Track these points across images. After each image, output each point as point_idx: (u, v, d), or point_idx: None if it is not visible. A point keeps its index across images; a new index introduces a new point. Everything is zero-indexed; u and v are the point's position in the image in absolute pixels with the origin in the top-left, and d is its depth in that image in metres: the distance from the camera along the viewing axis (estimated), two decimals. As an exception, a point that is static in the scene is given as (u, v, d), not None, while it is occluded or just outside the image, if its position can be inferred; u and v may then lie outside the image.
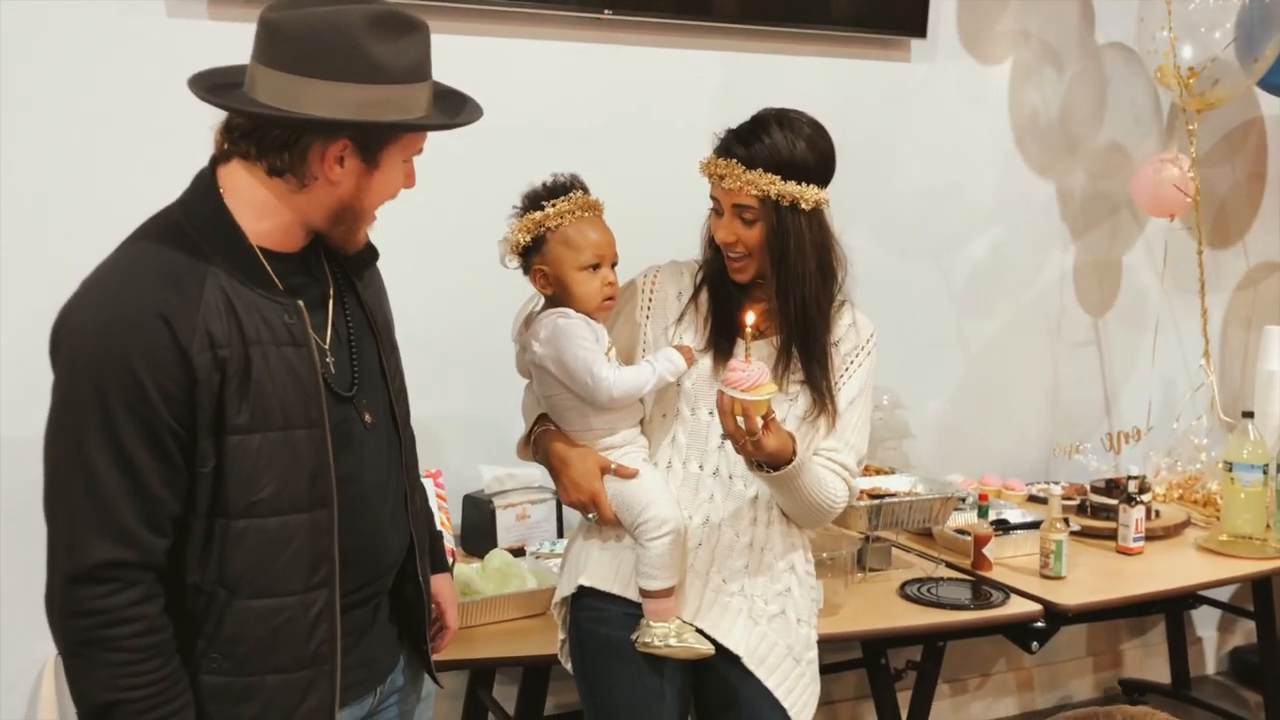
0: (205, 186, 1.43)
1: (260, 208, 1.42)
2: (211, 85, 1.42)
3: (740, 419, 1.64)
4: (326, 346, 1.48)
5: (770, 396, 1.64)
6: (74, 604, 1.32)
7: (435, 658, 1.71)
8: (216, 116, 2.43)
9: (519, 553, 2.62)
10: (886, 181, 3.18)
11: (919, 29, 3.14)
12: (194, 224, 1.40)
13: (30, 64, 2.38)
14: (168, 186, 2.43)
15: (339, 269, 1.55)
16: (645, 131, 2.90)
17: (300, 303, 1.44)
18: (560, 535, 2.75)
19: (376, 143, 1.41)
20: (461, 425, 2.80)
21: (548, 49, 2.79)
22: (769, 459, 1.71)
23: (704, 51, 2.95)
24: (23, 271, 2.40)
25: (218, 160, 1.45)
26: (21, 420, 2.39)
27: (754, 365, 1.64)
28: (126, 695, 1.33)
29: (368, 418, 1.52)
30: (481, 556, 2.54)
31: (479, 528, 2.71)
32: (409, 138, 1.45)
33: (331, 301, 1.51)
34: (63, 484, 1.34)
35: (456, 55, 2.62)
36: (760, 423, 1.64)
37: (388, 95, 1.37)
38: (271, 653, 1.42)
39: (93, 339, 1.32)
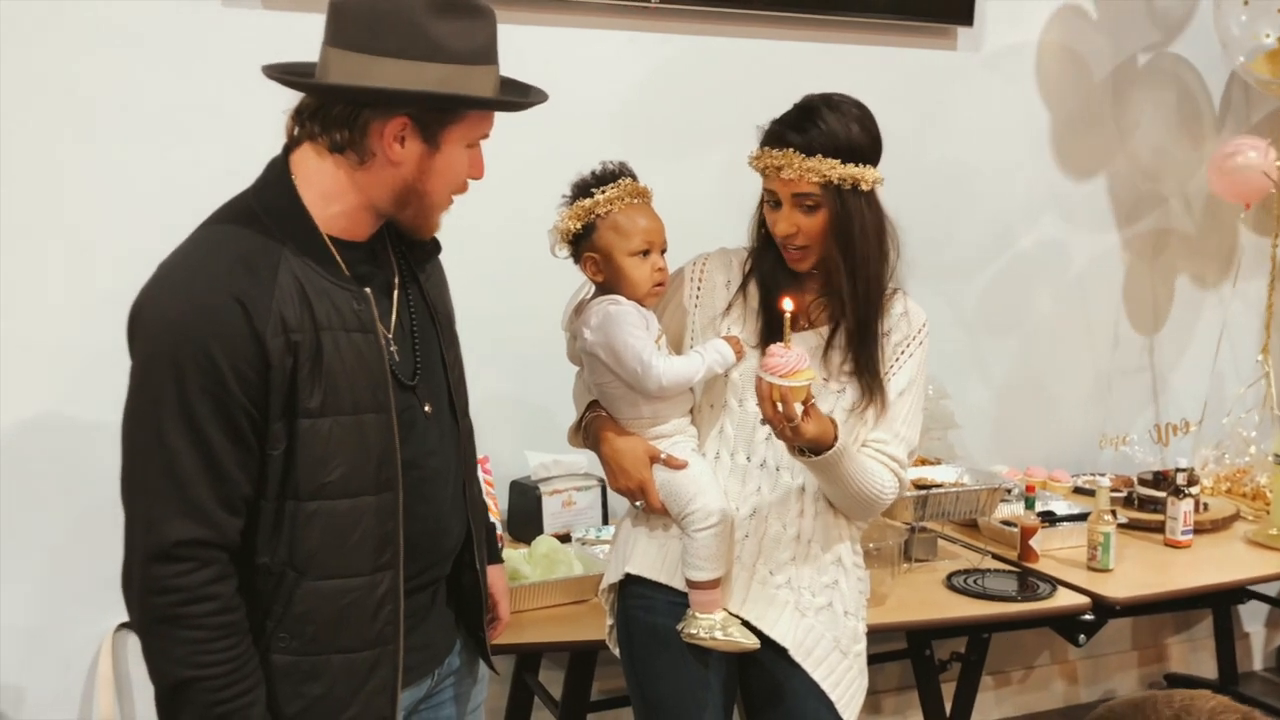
0: (278, 174, 1.46)
1: (328, 191, 1.44)
2: (286, 74, 1.45)
3: (779, 404, 1.64)
4: (390, 336, 1.50)
5: (809, 383, 1.64)
6: (153, 581, 1.35)
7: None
8: (275, 106, 2.48)
9: (565, 539, 2.64)
10: (931, 170, 3.16)
11: (965, 16, 3.12)
12: (267, 210, 1.43)
13: (92, 56, 2.42)
14: (225, 173, 2.47)
15: (404, 260, 1.57)
16: (691, 119, 2.90)
17: (368, 290, 1.46)
18: (605, 522, 2.77)
19: (437, 122, 1.43)
20: (508, 412, 2.82)
21: (595, 37, 2.79)
22: (809, 444, 1.70)
23: (750, 40, 2.95)
24: (89, 258, 2.45)
25: (289, 148, 1.47)
26: (83, 405, 2.46)
27: (793, 351, 1.63)
28: (202, 672, 1.36)
29: (428, 408, 1.54)
30: (528, 542, 2.56)
31: (525, 514, 2.73)
32: (471, 120, 1.46)
33: (396, 291, 1.53)
34: (141, 465, 1.37)
35: (503, 44, 2.66)
36: (800, 409, 1.64)
37: (449, 74, 1.39)
38: (338, 633, 1.45)
39: (171, 323, 1.35)
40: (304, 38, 2.49)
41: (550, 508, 2.72)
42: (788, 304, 1.68)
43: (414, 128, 1.42)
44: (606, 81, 2.82)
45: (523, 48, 2.70)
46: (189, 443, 1.34)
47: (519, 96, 1.50)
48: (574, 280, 1.91)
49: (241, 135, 2.51)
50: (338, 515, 1.43)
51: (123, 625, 2.54)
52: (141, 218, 2.44)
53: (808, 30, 2.99)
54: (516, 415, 2.83)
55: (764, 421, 1.70)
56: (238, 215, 1.44)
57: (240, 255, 1.38)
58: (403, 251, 1.57)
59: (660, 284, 1.84)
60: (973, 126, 3.24)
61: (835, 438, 1.71)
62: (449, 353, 1.61)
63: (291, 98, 1.48)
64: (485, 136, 1.50)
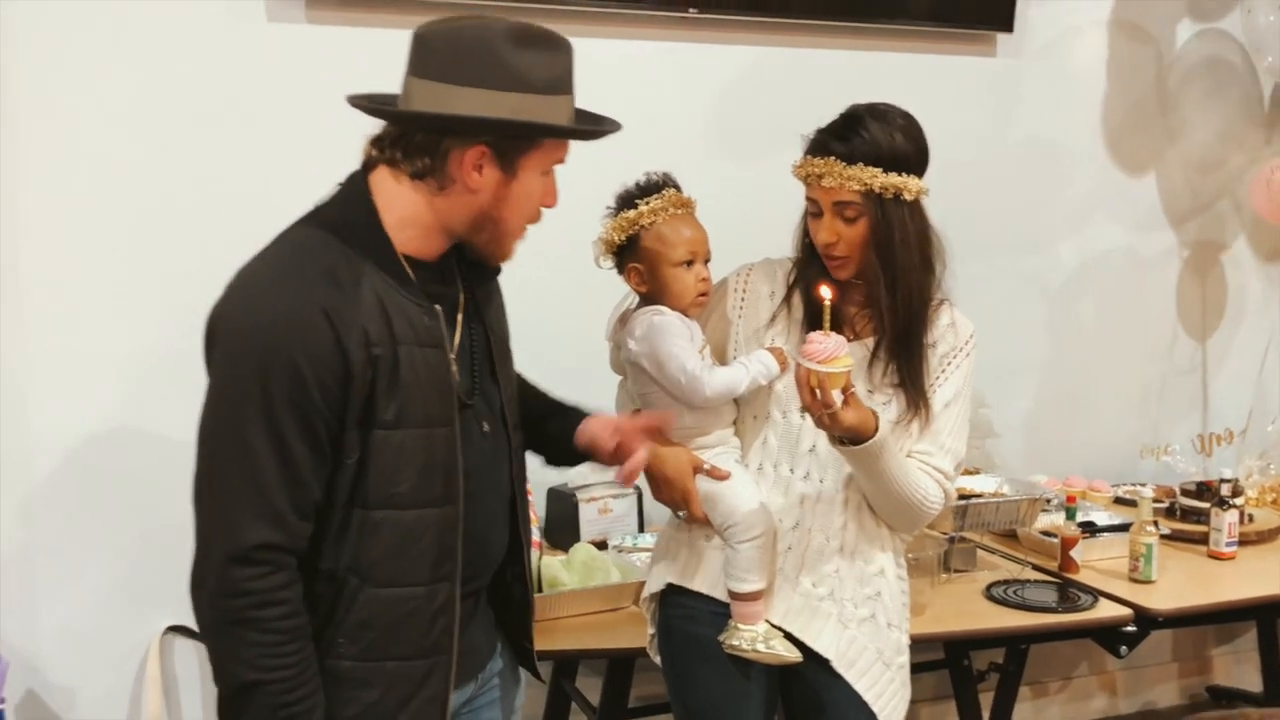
0: (358, 191, 1.48)
1: (404, 213, 1.47)
2: (369, 103, 1.49)
3: (817, 391, 1.64)
4: (454, 354, 1.53)
5: (847, 369, 1.64)
6: (228, 584, 1.37)
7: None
8: (320, 120, 2.51)
9: (601, 545, 2.65)
10: (974, 179, 3.15)
11: (1006, 23, 3.11)
12: (348, 226, 1.46)
13: (139, 71, 2.46)
14: (272, 184, 2.52)
15: (466, 281, 1.59)
16: (731, 128, 2.91)
17: (437, 307, 1.49)
18: (642, 529, 2.78)
19: (514, 150, 1.46)
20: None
21: (634, 48, 2.81)
22: (847, 433, 1.70)
23: (788, 49, 2.95)
24: (154, 271, 2.50)
25: (368, 167, 1.50)
26: (133, 413, 2.50)
27: (832, 337, 1.63)
28: (269, 676, 1.38)
29: (485, 426, 1.57)
30: (565, 549, 2.58)
31: (563, 521, 2.74)
32: (546, 148, 1.49)
33: (460, 311, 1.56)
34: (221, 467, 1.39)
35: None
36: (838, 396, 1.64)
37: (527, 104, 1.42)
38: (395, 641, 1.47)
39: (259, 331, 1.37)
40: (347, 52, 2.57)
41: (587, 515, 2.73)
42: (826, 292, 1.68)
43: (492, 156, 1.45)
44: (647, 92, 2.83)
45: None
46: (270, 448, 1.37)
47: (593, 122, 1.53)
48: (614, 287, 1.92)
49: (286, 148, 2.56)
50: (404, 525, 1.45)
51: (171, 628, 2.58)
52: (197, 230, 2.48)
53: (846, 38, 2.99)
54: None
55: (803, 409, 1.70)
56: (321, 228, 1.46)
57: (326, 267, 1.41)
58: (465, 272, 1.59)
59: (704, 294, 1.84)
60: (1013, 134, 3.22)
61: (875, 429, 1.71)
62: (502, 371, 1.64)
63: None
64: (560, 162, 1.53)
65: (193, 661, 2.61)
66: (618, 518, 2.76)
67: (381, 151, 1.47)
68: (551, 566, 2.44)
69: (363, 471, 1.43)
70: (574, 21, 2.73)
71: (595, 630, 2.34)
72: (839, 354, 1.63)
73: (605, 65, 2.79)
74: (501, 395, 1.62)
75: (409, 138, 1.45)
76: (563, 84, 1.47)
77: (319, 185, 2.70)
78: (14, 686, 2.47)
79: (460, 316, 1.56)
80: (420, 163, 1.44)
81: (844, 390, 1.65)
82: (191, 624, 1.41)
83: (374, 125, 2.78)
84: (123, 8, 2.43)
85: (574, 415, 1.78)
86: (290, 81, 2.56)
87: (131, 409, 2.51)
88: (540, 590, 2.34)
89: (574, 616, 2.38)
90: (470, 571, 1.56)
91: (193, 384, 2.47)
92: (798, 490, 1.86)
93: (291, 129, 2.56)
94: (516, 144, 1.46)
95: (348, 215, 1.47)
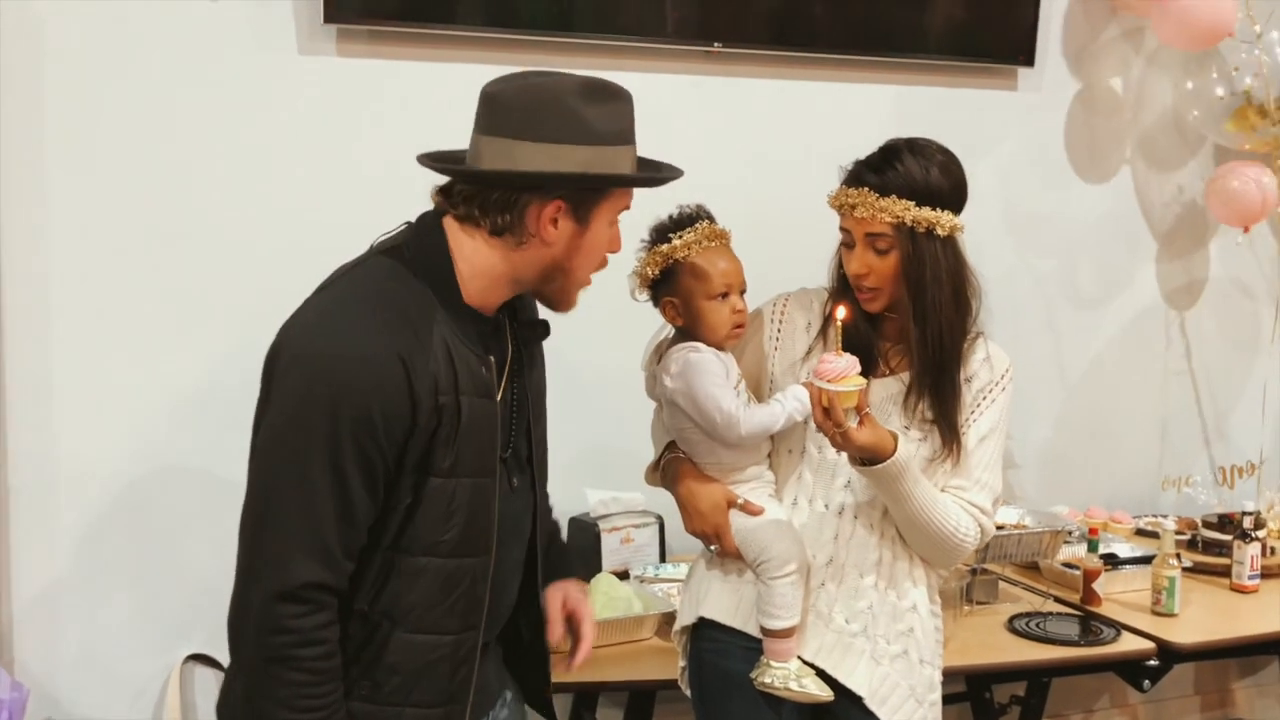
0: (435, 237, 1.49)
1: (477, 264, 1.48)
2: (438, 160, 1.52)
3: (829, 410, 1.66)
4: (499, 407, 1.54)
5: (857, 389, 1.66)
6: (272, 620, 1.37)
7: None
8: (345, 153, 2.55)
9: (623, 576, 2.65)
10: (992, 210, 3.16)
11: (1027, 58, 3.13)
12: (424, 271, 1.47)
13: (171, 103, 2.49)
14: (299, 218, 2.55)
15: (515, 337, 1.61)
16: (755, 162, 2.92)
17: (492, 358, 1.50)
18: (663, 559, 2.77)
19: (588, 202, 1.48)
20: (568, 448, 2.83)
21: (660, 82, 2.82)
22: (861, 453, 1.71)
23: (811, 83, 2.97)
24: (183, 303, 2.53)
25: (440, 213, 1.51)
26: (161, 443, 2.52)
27: (845, 357, 1.66)
28: (301, 716, 1.38)
29: (515, 480, 1.58)
30: (587, 580, 2.57)
31: (584, 551, 2.74)
32: (615, 197, 1.52)
33: (508, 366, 1.57)
34: (278, 501, 1.39)
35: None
36: (852, 416, 1.66)
37: (599, 156, 1.45)
38: (417, 686, 1.48)
39: (335, 369, 1.37)
40: (376, 84, 2.60)
41: (609, 545, 2.73)
42: (841, 312, 1.71)
43: (568, 209, 1.47)
44: (674, 126, 2.85)
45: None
46: (331, 486, 1.37)
47: (653, 168, 1.56)
48: (641, 318, 1.93)
49: (315, 180, 2.59)
50: (446, 573, 1.46)
51: (191, 657, 2.58)
52: (229, 263, 2.52)
53: (868, 72, 3.01)
54: (576, 452, 2.84)
55: (818, 429, 1.72)
56: (397, 270, 1.47)
57: (402, 310, 1.42)
58: (515, 330, 1.61)
59: (740, 326, 1.85)
60: (1029, 163, 3.23)
61: (894, 450, 1.71)
62: (536, 430, 1.65)
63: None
64: (626, 209, 1.56)
65: (213, 691, 2.60)
66: (640, 548, 2.76)
67: (455, 206, 1.49)
68: (574, 597, 2.44)
69: (411, 517, 1.43)
70: (598, 55, 2.76)
71: (616, 662, 2.33)
72: (850, 373, 1.65)
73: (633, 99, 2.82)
74: (534, 452, 1.63)
75: (485, 195, 1.46)
76: (628, 134, 1.50)
77: (349, 216, 2.73)
78: (33, 715, 2.47)
79: (506, 371, 1.57)
80: (499, 219, 1.46)
81: (858, 410, 1.67)
82: (212, 653, 1.42)
83: (397, 159, 2.82)
84: (155, 39, 2.46)
85: (552, 569, 1.76)
86: (320, 114, 2.59)
87: (154, 440, 2.53)
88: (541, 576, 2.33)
89: (595, 648, 2.35)
90: (491, 620, 1.57)
91: (213, 417, 2.52)
92: (832, 525, 1.86)
93: (321, 161, 2.59)
94: (590, 196, 1.48)
95: (424, 260, 1.48)
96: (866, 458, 1.72)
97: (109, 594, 2.52)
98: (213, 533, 2.49)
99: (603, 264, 1.56)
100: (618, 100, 1.49)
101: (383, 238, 1.54)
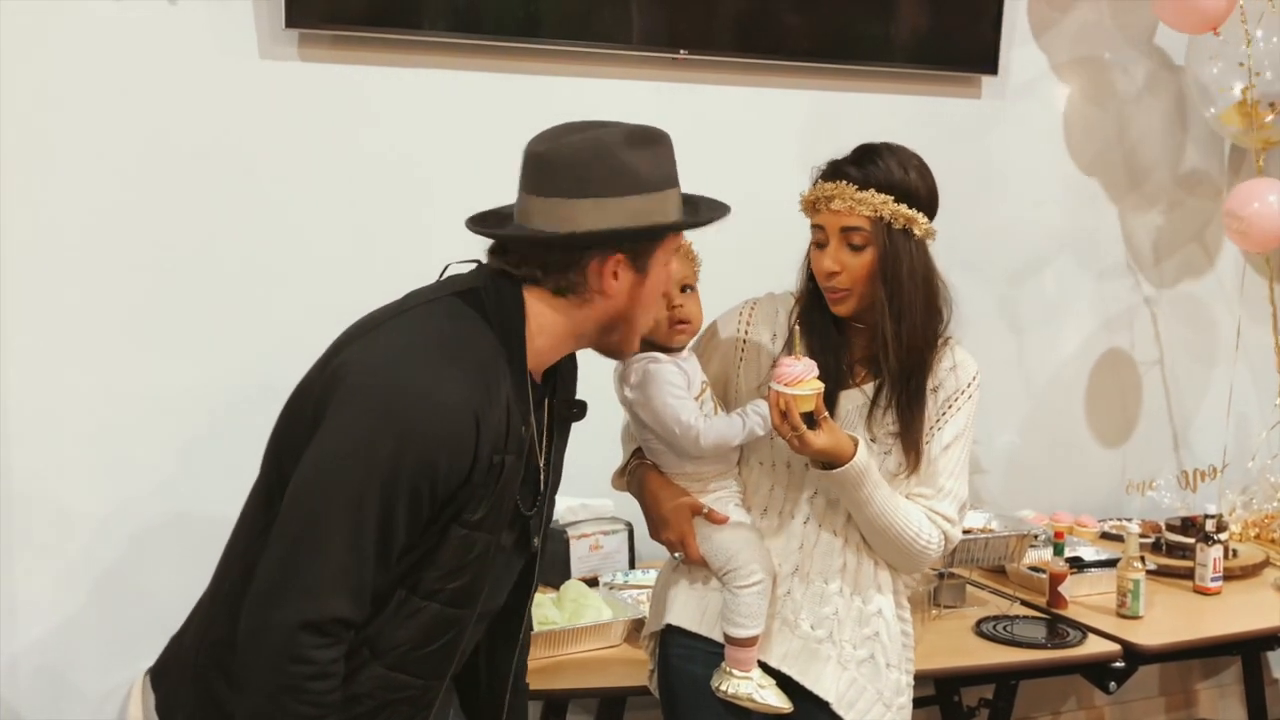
0: (513, 295, 1.48)
1: (542, 324, 1.49)
2: (486, 222, 1.52)
3: (785, 413, 1.68)
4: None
5: (815, 392, 1.67)
6: (294, 648, 1.33)
7: None
8: (307, 159, 2.52)
9: (592, 583, 2.64)
10: (955, 217, 3.18)
11: (991, 66, 3.15)
12: (498, 325, 1.47)
13: (129, 106, 2.46)
14: (259, 225, 2.52)
15: (550, 414, 1.61)
16: (721, 169, 2.91)
17: (533, 418, 1.50)
18: (633, 566, 2.77)
19: (646, 251, 1.50)
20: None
21: (624, 88, 2.83)
22: (819, 456, 1.72)
23: (775, 90, 2.98)
24: (139, 307, 2.49)
25: (518, 281, 1.50)
26: (118, 456, 2.48)
27: (802, 361, 1.68)
28: None
29: (535, 541, 1.59)
30: (556, 587, 2.57)
31: (553, 558, 2.72)
32: (670, 239, 1.53)
33: (545, 433, 1.58)
34: (325, 529, 1.35)
35: (535, 96, 2.71)
36: (809, 419, 1.67)
37: (650, 204, 1.47)
38: (375, 719, 1.47)
39: (411, 410, 1.35)
40: (338, 90, 2.58)
41: (578, 551, 2.72)
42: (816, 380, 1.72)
43: (627, 260, 1.48)
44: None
45: (554, 99, 2.75)
46: (378, 524, 1.35)
47: (693, 203, 1.58)
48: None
49: (276, 187, 2.57)
50: (444, 618, 1.46)
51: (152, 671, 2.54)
52: (191, 274, 2.49)
53: (831, 80, 3.03)
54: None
55: (775, 431, 1.73)
56: (476, 318, 1.47)
57: (481, 365, 1.42)
58: (552, 406, 1.61)
59: (681, 320, 1.82)
60: (994, 173, 3.26)
61: (853, 454, 1.73)
62: (548, 499, 1.65)
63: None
64: (678, 249, 1.60)
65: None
66: (609, 554, 2.75)
67: (516, 266, 1.48)
68: (541, 604, 2.43)
69: (428, 560, 1.42)
70: (564, 62, 2.76)
71: (586, 669, 2.33)
72: (806, 377, 1.67)
73: (595, 106, 2.80)
74: (542, 519, 1.63)
75: (546, 255, 1.46)
76: (673, 176, 1.52)
77: (310, 224, 2.71)
78: (-8, 728, 2.44)
79: (545, 437, 1.58)
80: (564, 280, 1.47)
81: (816, 413, 1.68)
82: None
83: (361, 166, 2.81)
84: (112, 41, 2.43)
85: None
86: (281, 120, 2.57)
87: (114, 453, 2.49)
88: (531, 629, 2.33)
89: (565, 655, 2.37)
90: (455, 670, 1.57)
91: (172, 431, 2.49)
92: (798, 534, 1.86)
93: (282, 168, 2.57)
94: (647, 244, 1.49)
95: (502, 314, 1.47)
96: (826, 461, 1.73)
97: (68, 607, 2.48)
98: (174, 546, 2.49)
99: (661, 306, 1.62)
100: (660, 143, 1.51)
101: (454, 271, 1.55)
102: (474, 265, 1.56)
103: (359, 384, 1.39)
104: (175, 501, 2.52)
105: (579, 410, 1.66)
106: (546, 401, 1.59)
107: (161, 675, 1.60)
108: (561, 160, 1.45)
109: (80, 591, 2.50)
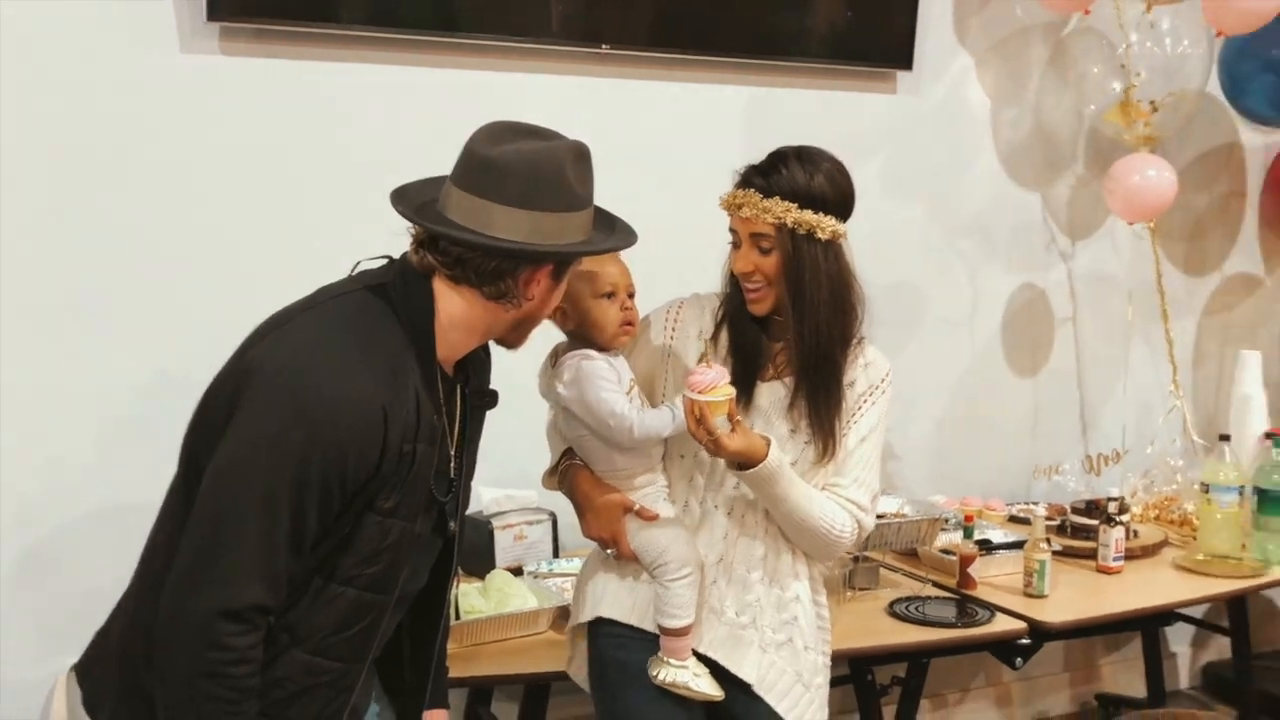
0: (422, 290, 1.51)
1: (457, 320, 1.52)
2: (413, 205, 1.52)
3: (700, 420, 1.74)
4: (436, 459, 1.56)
5: (727, 398, 1.74)
6: (212, 635, 1.37)
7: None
8: (229, 153, 2.50)
9: (517, 572, 2.68)
10: (872, 210, 3.25)
11: (906, 62, 3.23)
12: (407, 319, 1.49)
13: (47, 100, 2.42)
14: (176, 221, 2.49)
15: (464, 400, 1.64)
16: (644, 165, 2.96)
17: (444, 408, 1.54)
18: (556, 555, 2.81)
19: (569, 262, 1.57)
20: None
21: (546, 83, 2.85)
22: (735, 458, 1.79)
23: (699, 85, 3.02)
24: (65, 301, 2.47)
25: (427, 270, 1.52)
26: (43, 450, 2.45)
27: (713, 369, 1.75)
28: None
29: (452, 525, 1.63)
30: (481, 577, 2.60)
31: (478, 548, 2.75)
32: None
33: (455, 422, 1.61)
34: (237, 520, 1.38)
35: (457, 91, 2.72)
36: (724, 424, 1.74)
37: (581, 220, 1.52)
38: (294, 705, 1.50)
39: (319, 404, 1.38)
40: (260, 83, 2.57)
41: (502, 541, 2.75)
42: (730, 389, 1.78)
43: (552, 271, 1.54)
44: (559, 128, 2.87)
45: (476, 93, 2.77)
46: (290, 513, 1.38)
47: (610, 226, 1.64)
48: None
49: (199, 180, 2.55)
50: (362, 604, 1.49)
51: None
52: (110, 266, 2.46)
53: (749, 75, 3.07)
54: (469, 450, 2.87)
55: (692, 437, 1.79)
56: (386, 311, 1.49)
57: (389, 357, 1.45)
58: (466, 394, 1.64)
59: (629, 324, 1.89)
60: (911, 169, 3.34)
61: (766, 455, 1.80)
62: (464, 487, 1.69)
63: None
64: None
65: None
66: (533, 544, 2.79)
67: (448, 267, 1.50)
68: (467, 594, 2.46)
69: (344, 547, 1.45)
70: (484, 56, 2.77)
71: (511, 656, 2.36)
72: (719, 384, 1.73)
73: (516, 100, 2.82)
74: (458, 505, 1.67)
75: (481, 262, 1.49)
76: (593, 193, 1.57)
77: (231, 217, 2.68)
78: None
79: (458, 427, 1.61)
80: (500, 286, 1.50)
81: (730, 418, 1.75)
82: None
83: (282, 159, 2.79)
84: (26, 34, 2.39)
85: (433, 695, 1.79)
86: (204, 113, 2.55)
87: (43, 445, 2.47)
88: (457, 617, 2.36)
89: (490, 643, 2.40)
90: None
91: (103, 423, 2.46)
92: (721, 525, 1.93)
93: (204, 161, 2.55)
94: (572, 258, 1.57)
95: (410, 308, 1.50)
96: (741, 462, 1.80)
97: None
98: (101, 537, 2.47)
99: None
100: (588, 161, 1.55)
101: (365, 265, 1.57)
102: (384, 261, 1.59)
103: (269, 379, 1.41)
104: (101, 492, 2.50)
105: (491, 399, 1.69)
106: (459, 391, 1.63)
107: (87, 669, 1.61)
108: (510, 169, 1.48)
109: (4, 583, 2.46)
